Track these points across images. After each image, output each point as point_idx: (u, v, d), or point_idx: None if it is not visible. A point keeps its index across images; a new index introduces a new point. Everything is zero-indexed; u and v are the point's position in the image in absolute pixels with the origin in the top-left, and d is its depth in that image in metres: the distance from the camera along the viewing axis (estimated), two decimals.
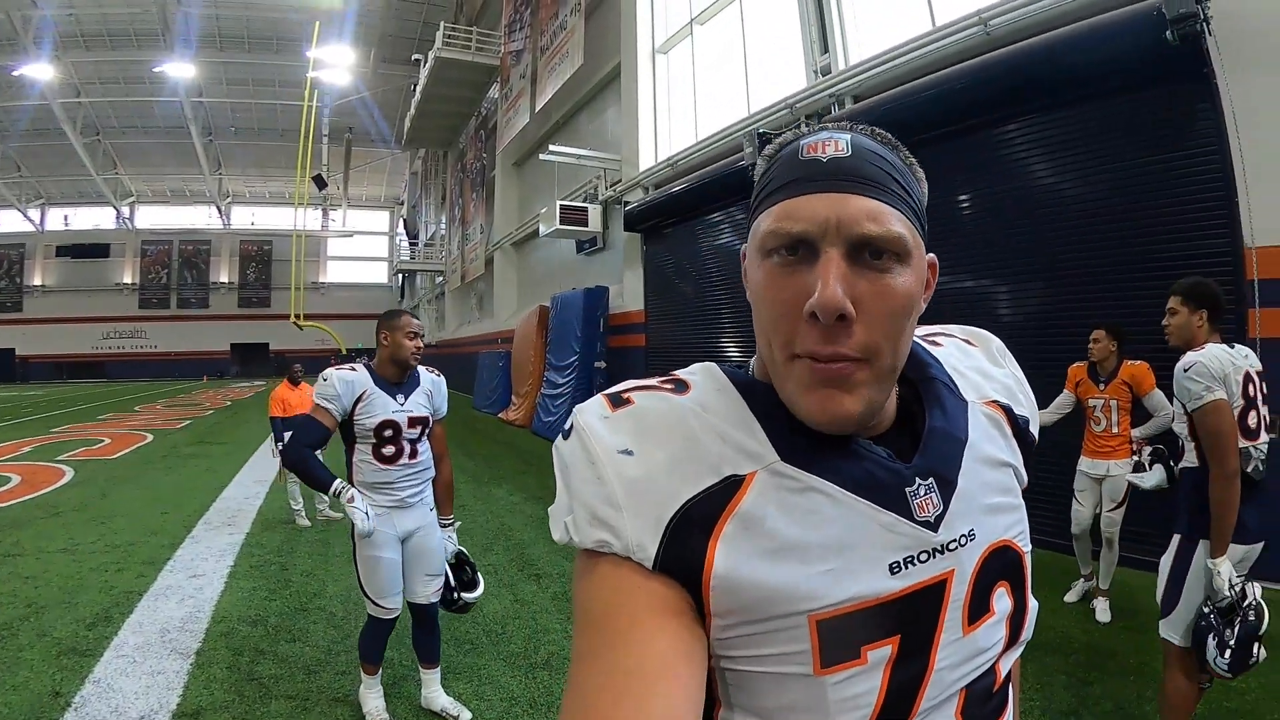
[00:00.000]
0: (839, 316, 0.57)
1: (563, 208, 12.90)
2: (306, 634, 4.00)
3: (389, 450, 2.90)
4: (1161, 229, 5.08)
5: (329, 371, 2.88)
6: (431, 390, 3.08)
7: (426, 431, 3.04)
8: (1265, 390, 2.56)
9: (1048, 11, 5.93)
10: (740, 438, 0.62)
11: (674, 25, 11.77)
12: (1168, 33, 4.75)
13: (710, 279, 10.09)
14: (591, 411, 0.64)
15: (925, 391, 0.71)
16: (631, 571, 0.58)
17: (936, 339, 0.80)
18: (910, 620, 0.62)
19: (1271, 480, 2.58)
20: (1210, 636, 2.29)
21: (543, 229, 13.64)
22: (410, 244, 36.43)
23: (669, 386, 0.66)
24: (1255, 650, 2.24)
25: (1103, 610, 4.06)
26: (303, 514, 6.68)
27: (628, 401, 0.64)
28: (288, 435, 6.61)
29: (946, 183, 6.67)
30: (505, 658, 3.69)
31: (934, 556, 0.63)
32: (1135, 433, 4.15)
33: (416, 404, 2.98)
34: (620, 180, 12.39)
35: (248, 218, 47.26)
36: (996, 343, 0.84)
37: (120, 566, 5.28)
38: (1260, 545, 2.47)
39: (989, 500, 0.69)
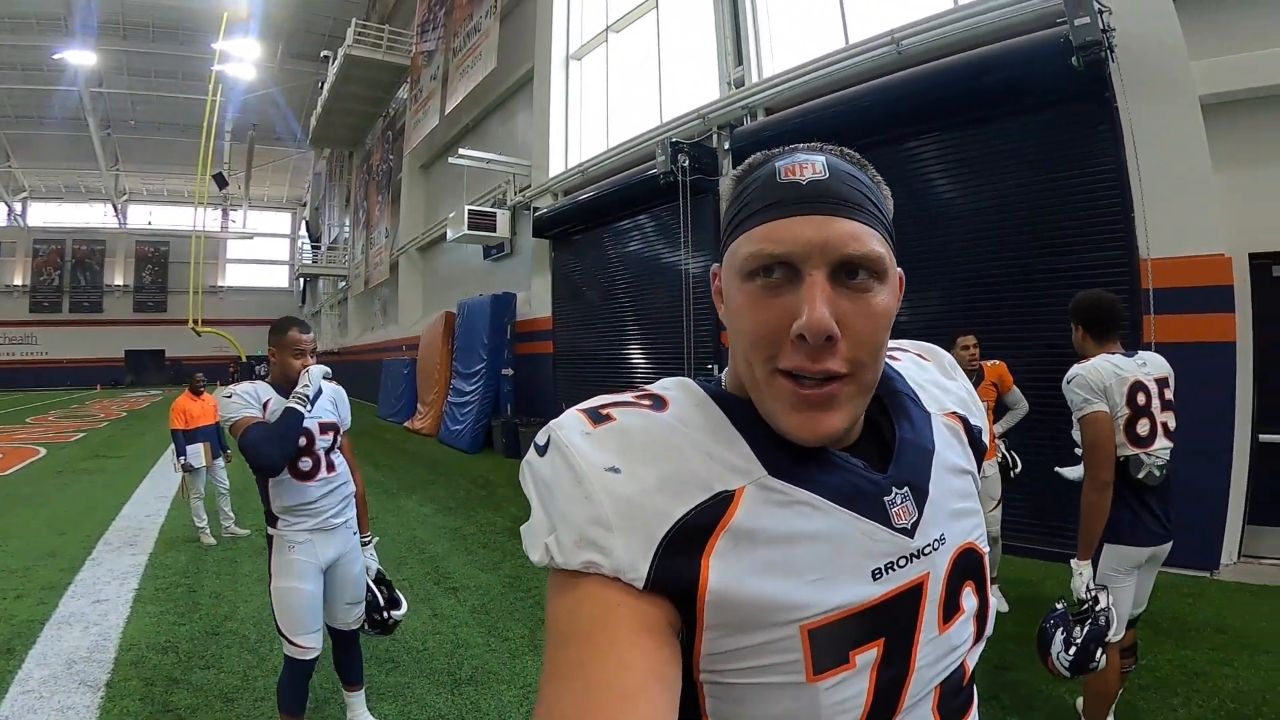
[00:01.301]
0: (826, 338, 0.59)
1: (471, 213, 12.62)
2: (221, 660, 3.80)
3: (305, 464, 2.70)
4: (1063, 241, 5.37)
5: (230, 389, 2.64)
6: (335, 398, 2.90)
7: (338, 442, 2.85)
8: (1169, 396, 2.59)
9: (959, 34, 6.18)
10: (726, 453, 0.63)
11: (589, 32, 11.68)
12: (1074, 59, 5.07)
13: (619, 287, 10.06)
14: (571, 428, 0.63)
15: (892, 404, 0.74)
16: (616, 591, 0.57)
17: (894, 354, 0.83)
18: (893, 623, 0.64)
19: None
20: (1059, 632, 2.39)
21: (450, 234, 13.33)
22: (313, 247, 35.03)
23: (647, 403, 0.66)
24: (1097, 654, 2.33)
25: (1000, 601, 4.17)
26: (208, 531, 6.31)
27: (608, 418, 0.64)
28: (189, 449, 6.28)
29: None
30: (429, 675, 3.60)
31: (911, 561, 0.66)
32: (995, 428, 4.32)
33: (323, 410, 2.79)
34: (530, 186, 12.21)
35: (144, 217, 44.19)
36: (947, 357, 0.88)
37: (19, 593, 4.90)
38: (1169, 545, 2.54)
39: (954, 506, 0.72)
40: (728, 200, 0.70)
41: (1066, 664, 2.34)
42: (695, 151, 8.23)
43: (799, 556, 0.60)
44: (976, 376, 4.26)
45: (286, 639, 2.64)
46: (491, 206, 13.14)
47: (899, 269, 0.68)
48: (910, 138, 6.54)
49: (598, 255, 10.55)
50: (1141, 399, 2.49)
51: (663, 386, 0.69)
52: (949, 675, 0.70)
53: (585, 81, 11.78)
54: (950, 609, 0.69)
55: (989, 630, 0.75)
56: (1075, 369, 2.53)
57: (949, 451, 0.75)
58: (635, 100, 10.47)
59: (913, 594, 0.66)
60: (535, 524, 0.63)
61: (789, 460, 0.63)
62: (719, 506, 0.60)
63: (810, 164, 0.64)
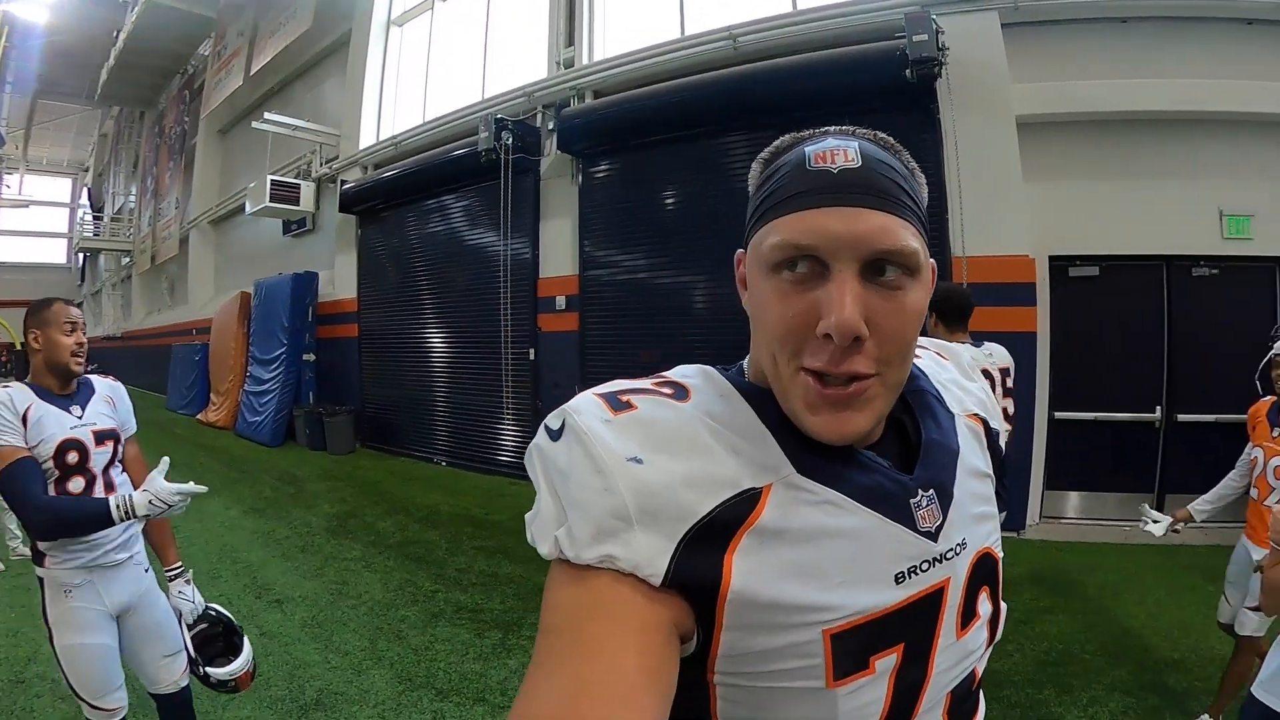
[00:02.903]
0: (854, 338, 0.57)
1: (273, 183, 11.50)
2: (31, 713, 3.17)
3: (76, 484, 2.15)
4: None
5: None
6: (113, 398, 2.36)
7: (119, 453, 2.30)
8: (1009, 384, 2.78)
9: (797, 36, 6.45)
10: (753, 449, 0.61)
11: None
12: (908, 71, 5.52)
13: (433, 267, 9.59)
14: (590, 414, 0.60)
15: (916, 403, 0.73)
16: (626, 588, 0.55)
17: (915, 352, 0.70)
18: (913, 628, 0.63)
19: None
20: None
21: (249, 206, 12.11)
22: (95, 218, 31.19)
23: (668, 392, 0.64)
24: None
25: None
26: None
27: (629, 405, 0.61)
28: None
29: (672, 183, 7.29)
30: (270, 705, 3.20)
31: (934, 566, 0.65)
32: None
33: (98, 414, 2.26)
34: (337, 157, 11.31)
35: None
36: (965, 357, 0.89)
37: None
38: (1004, 514, 2.48)
39: (976, 510, 0.71)
40: (754, 184, 0.68)
41: None
42: (519, 130, 7.91)
43: (824, 558, 0.59)
44: None
45: (86, 703, 2.13)
46: (295, 178, 12.04)
47: (931, 260, 0.65)
48: (738, 132, 6.76)
49: (409, 233, 9.99)
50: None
51: (683, 374, 0.67)
52: (961, 681, 0.69)
53: (405, 50, 11.06)
54: (968, 614, 0.69)
55: (999, 636, 0.75)
56: None
57: (970, 454, 0.74)
58: (457, 74, 9.94)
59: (934, 599, 0.65)
60: (544, 514, 0.60)
61: (816, 458, 0.62)
62: (746, 504, 0.58)
63: (842, 150, 0.61)
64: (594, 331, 7.76)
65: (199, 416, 14.26)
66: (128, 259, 27.72)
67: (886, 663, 0.61)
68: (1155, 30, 5.95)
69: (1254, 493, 2.86)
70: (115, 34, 23.18)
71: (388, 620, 4.11)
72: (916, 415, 0.72)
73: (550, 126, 8.09)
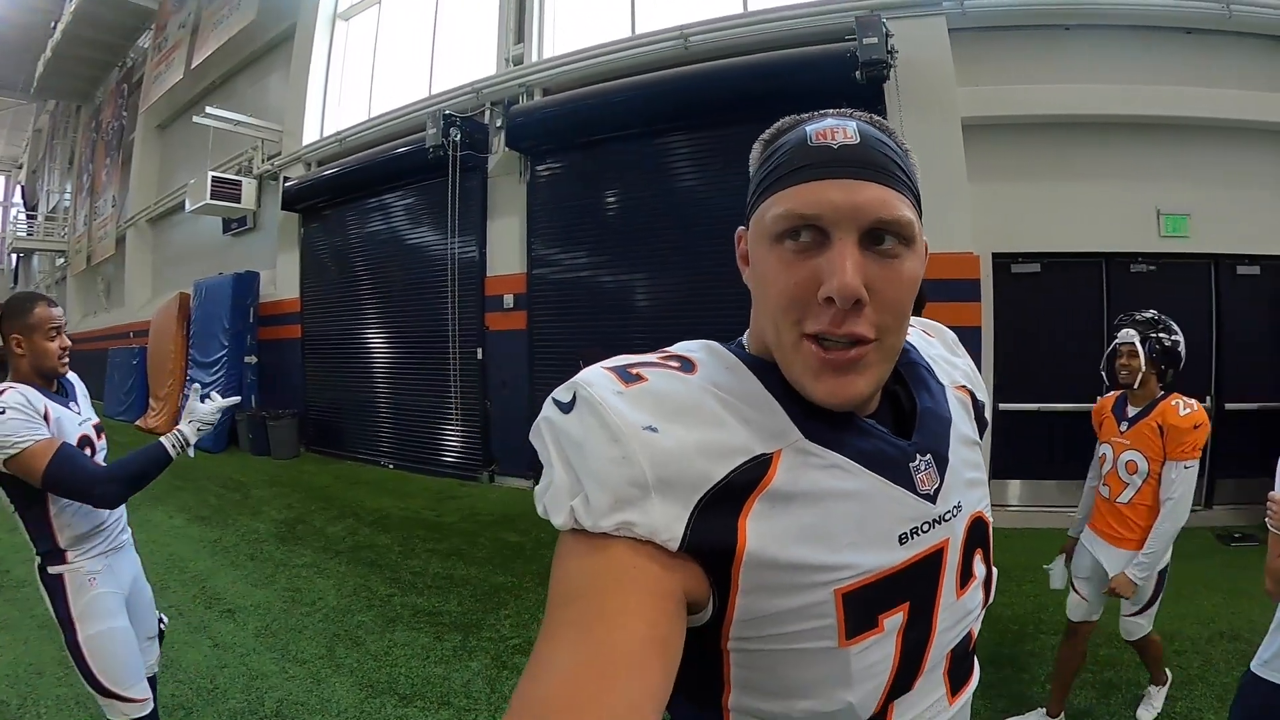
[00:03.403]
0: (855, 302, 0.60)
1: (214, 180, 11.07)
2: None
3: None
4: None
5: None
6: (85, 392, 2.37)
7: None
8: None
9: (748, 37, 6.53)
10: (762, 417, 0.63)
11: None
12: (858, 73, 5.64)
13: (378, 266, 9.37)
14: (602, 385, 0.61)
15: (909, 374, 0.77)
16: (642, 556, 0.56)
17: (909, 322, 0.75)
18: (917, 587, 0.67)
19: None
20: None
21: (189, 204, 11.67)
22: (28, 217, 30.10)
23: (675, 364, 0.65)
24: None
25: None
26: None
27: (639, 378, 0.62)
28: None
29: (620, 181, 7.28)
30: (229, 717, 3.13)
31: (934, 527, 0.68)
32: None
33: (89, 410, 2.32)
34: (280, 154, 10.99)
35: None
36: (950, 334, 0.93)
37: None
38: None
39: (968, 475, 0.75)
40: (755, 163, 0.70)
41: None
42: (467, 127, 7.76)
43: (833, 520, 0.61)
44: None
45: (117, 697, 2.07)
46: (236, 174, 11.66)
47: (924, 238, 0.68)
48: (686, 132, 6.81)
49: (353, 232, 9.75)
50: None
51: (687, 349, 0.69)
52: (960, 642, 0.73)
53: (351, 44, 10.81)
54: (965, 575, 0.72)
55: (992, 598, 0.79)
56: None
57: (961, 423, 0.78)
58: (404, 69, 9.75)
59: (934, 559, 0.68)
60: (558, 485, 0.60)
61: (821, 425, 0.64)
62: (758, 469, 0.60)
63: (842, 129, 0.64)
64: (542, 330, 7.65)
65: (138, 423, 13.65)
66: (63, 260, 26.74)
67: (894, 621, 0.64)
68: (1098, 37, 6.20)
69: (1105, 490, 2.84)
70: (53, 25, 22.35)
71: (344, 626, 4.03)
72: (910, 386, 0.75)
73: (498, 124, 7.96)
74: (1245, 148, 6.11)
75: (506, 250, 7.85)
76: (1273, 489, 1.66)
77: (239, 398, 2.28)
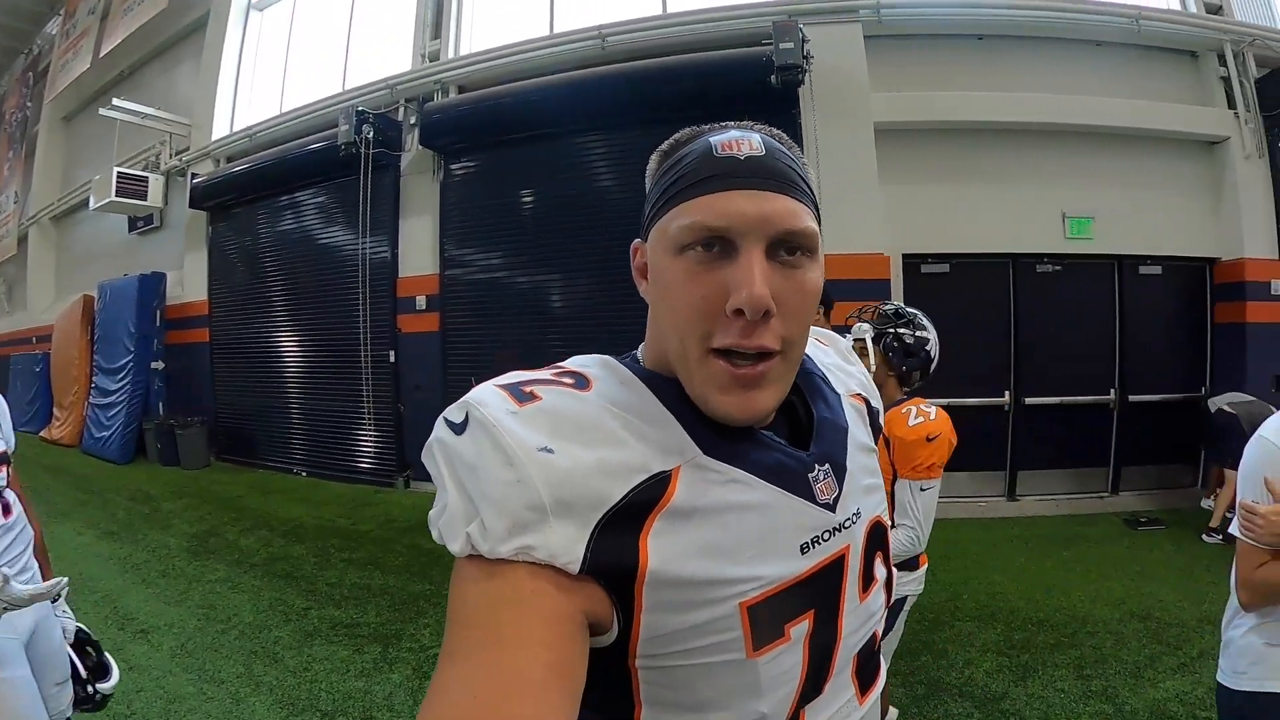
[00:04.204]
0: (764, 313, 0.59)
1: (120, 176, 10.52)
2: None
3: None
4: None
5: None
6: (7, 411, 2.20)
7: (8, 472, 2.09)
8: None
9: (666, 39, 6.60)
10: (659, 433, 0.62)
11: None
12: (773, 77, 5.74)
13: (288, 267, 9.03)
14: (495, 405, 0.59)
15: (805, 384, 0.76)
16: (540, 580, 0.55)
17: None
18: (821, 594, 0.67)
19: None
20: None
21: (94, 201, 11.04)
22: None
23: (569, 381, 0.64)
24: None
25: None
26: None
27: (533, 396, 0.61)
28: None
29: (534, 181, 7.20)
30: None
31: (834, 535, 0.68)
32: None
33: (10, 433, 2.15)
34: (188, 149, 10.54)
35: None
36: (843, 343, 0.93)
37: None
38: None
39: (865, 481, 0.76)
40: (654, 175, 0.70)
41: None
42: (380, 123, 7.54)
43: (734, 534, 0.61)
44: None
45: None
46: (144, 170, 11.11)
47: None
48: (602, 132, 6.80)
49: (263, 231, 9.37)
50: None
51: (582, 364, 0.68)
52: (865, 643, 0.74)
53: (265, 36, 10.44)
54: (868, 578, 0.73)
55: (893, 597, 0.85)
56: None
57: (857, 431, 0.78)
58: (318, 63, 9.45)
59: (836, 566, 0.69)
60: (452, 510, 0.58)
61: (719, 439, 0.64)
62: (657, 487, 0.59)
63: (747, 140, 0.64)
64: (455, 332, 7.49)
65: (42, 434, 13.07)
66: None
67: (800, 629, 0.64)
68: (1010, 47, 6.44)
69: None
70: None
71: (261, 643, 3.91)
72: (806, 396, 0.75)
73: (412, 121, 7.77)
74: (1147, 154, 6.41)
75: (419, 251, 7.64)
76: (1221, 483, 1.56)
77: (57, 591, 1.95)
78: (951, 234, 6.21)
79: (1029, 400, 6.27)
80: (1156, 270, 6.54)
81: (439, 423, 0.61)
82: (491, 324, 7.28)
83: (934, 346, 2.33)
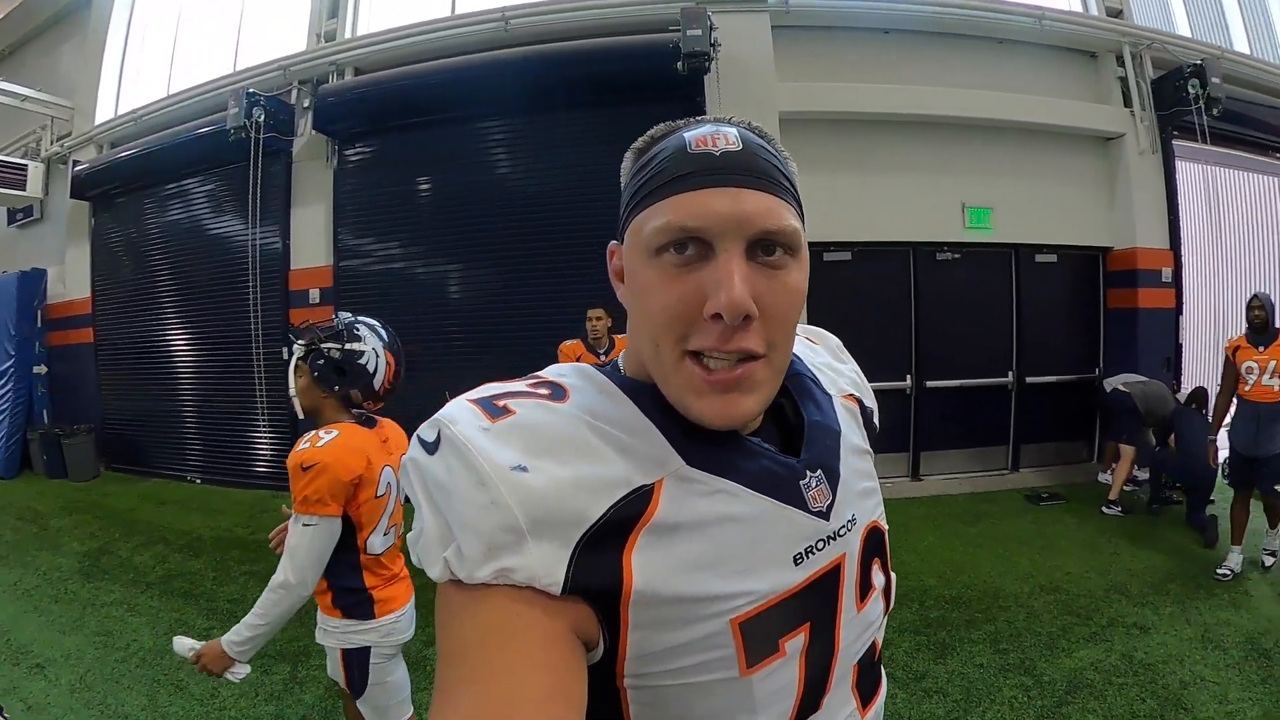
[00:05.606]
0: (744, 317, 0.57)
1: None
2: None
3: None
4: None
5: None
6: None
7: None
8: None
9: (571, 22, 6.52)
10: (640, 445, 0.60)
11: None
12: (679, 64, 5.70)
13: (176, 260, 8.53)
14: (466, 422, 0.58)
15: (795, 386, 0.73)
16: (524, 603, 0.53)
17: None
18: (816, 606, 0.64)
19: None
20: None
21: None
22: None
23: (544, 393, 0.62)
24: None
25: None
26: None
27: (506, 410, 0.59)
28: None
29: (433, 168, 6.97)
30: None
31: (829, 543, 0.66)
32: None
33: None
34: (71, 134, 9.88)
35: None
36: (834, 340, 0.90)
37: None
38: None
39: (860, 486, 0.73)
40: (628, 174, 0.67)
41: None
42: (272, 106, 7.14)
43: (722, 547, 0.59)
44: (609, 346, 4.41)
45: None
46: (22, 158, 10.37)
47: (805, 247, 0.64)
48: (503, 118, 6.67)
49: (151, 222, 8.82)
50: None
51: (559, 373, 0.66)
52: (865, 653, 0.71)
53: (153, 13, 9.85)
54: (865, 587, 0.70)
55: (892, 604, 0.77)
56: None
57: (850, 433, 0.75)
58: (208, 43, 8.97)
59: (832, 576, 0.66)
60: (429, 534, 0.57)
61: (704, 449, 0.61)
62: (639, 502, 0.57)
63: (723, 135, 0.61)
64: None
65: None
66: None
67: (795, 643, 0.62)
68: (916, 42, 6.58)
69: None
70: None
71: (164, 670, 3.68)
72: (796, 399, 0.72)
73: (306, 104, 7.40)
74: (1046, 149, 6.64)
75: (312, 241, 7.29)
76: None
77: None
78: (854, 223, 6.29)
79: (930, 383, 6.46)
80: (1052, 259, 6.80)
81: (413, 441, 0.60)
82: (390, 316, 6.84)
83: (371, 359, 2.06)
